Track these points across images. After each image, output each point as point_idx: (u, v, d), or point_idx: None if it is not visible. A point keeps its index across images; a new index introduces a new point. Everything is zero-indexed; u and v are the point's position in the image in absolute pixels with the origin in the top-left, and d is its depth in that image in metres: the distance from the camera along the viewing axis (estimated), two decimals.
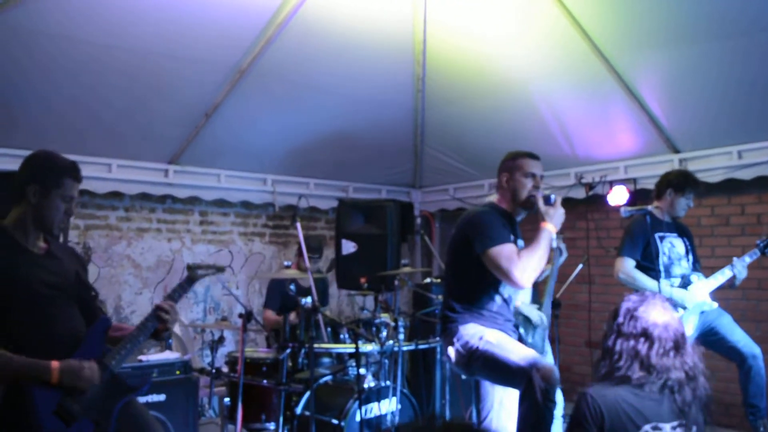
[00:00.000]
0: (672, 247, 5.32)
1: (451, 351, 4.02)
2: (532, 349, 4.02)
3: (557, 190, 7.03)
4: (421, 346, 5.99)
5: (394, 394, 5.32)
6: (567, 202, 5.00)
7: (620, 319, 2.95)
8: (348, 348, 5.36)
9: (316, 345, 5.09)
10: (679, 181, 5.40)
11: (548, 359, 5.08)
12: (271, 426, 5.19)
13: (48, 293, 3.11)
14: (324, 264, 8.20)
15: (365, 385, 5.12)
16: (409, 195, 9.07)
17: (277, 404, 5.04)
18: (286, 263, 5.33)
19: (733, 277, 5.25)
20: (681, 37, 5.40)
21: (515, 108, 6.79)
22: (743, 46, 5.23)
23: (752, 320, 6.23)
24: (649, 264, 5.15)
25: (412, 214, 8.75)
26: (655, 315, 2.88)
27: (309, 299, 5.00)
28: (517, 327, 4.26)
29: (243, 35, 5.85)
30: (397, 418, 5.26)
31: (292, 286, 5.31)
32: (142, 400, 4.59)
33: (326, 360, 5.74)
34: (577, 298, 7.32)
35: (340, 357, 5.71)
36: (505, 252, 3.79)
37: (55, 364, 2.95)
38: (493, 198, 4.25)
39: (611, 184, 6.88)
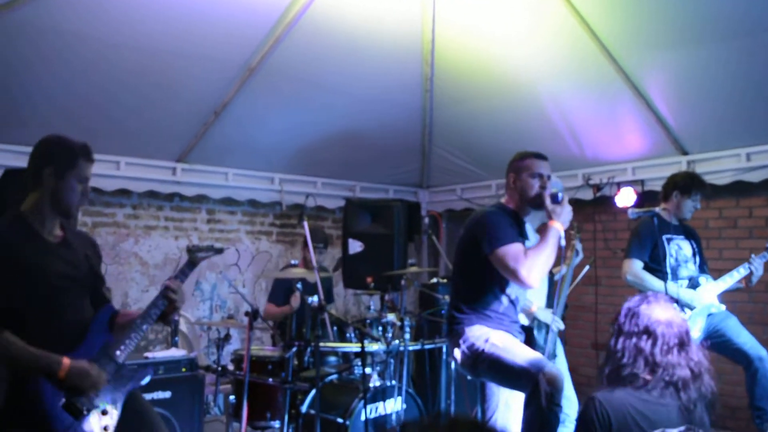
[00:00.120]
0: (679, 249, 5.32)
1: (457, 352, 4.03)
2: (539, 352, 4.03)
3: (565, 191, 7.01)
4: (427, 346, 5.99)
5: (399, 394, 5.32)
6: (574, 204, 4.98)
7: (621, 319, 2.94)
8: (354, 347, 5.36)
9: (322, 344, 5.10)
10: (686, 183, 5.39)
11: (560, 362, 5.10)
12: (276, 424, 5.20)
13: (62, 284, 3.11)
14: (330, 263, 8.22)
15: (371, 385, 5.12)
16: (416, 195, 9.07)
17: (283, 402, 5.04)
18: (293, 261, 5.33)
19: (750, 274, 5.23)
20: (689, 37, 5.38)
21: (523, 108, 6.78)
22: (750, 47, 5.22)
23: (760, 323, 6.21)
24: (656, 266, 5.15)
25: (419, 214, 8.74)
26: (657, 312, 2.87)
27: (315, 298, 5.01)
28: (524, 329, 4.26)
29: (252, 33, 5.85)
30: (402, 418, 5.26)
31: (299, 285, 5.31)
32: (147, 396, 4.60)
33: (332, 359, 5.75)
34: (584, 299, 7.31)
35: (345, 356, 5.71)
36: (511, 252, 3.79)
37: (66, 361, 2.96)
38: (502, 199, 4.25)
39: (619, 185, 6.87)
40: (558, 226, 3.90)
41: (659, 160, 6.64)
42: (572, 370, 5.22)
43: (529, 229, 4.58)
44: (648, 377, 2.78)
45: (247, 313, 4.99)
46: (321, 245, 6.54)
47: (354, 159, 8.04)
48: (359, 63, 6.40)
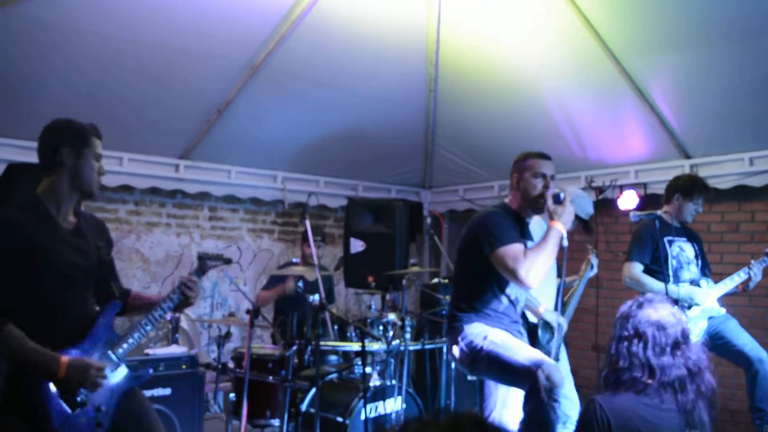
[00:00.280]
0: (681, 251, 5.32)
1: (456, 350, 4.04)
2: (539, 350, 4.04)
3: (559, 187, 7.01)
4: (428, 346, 6.00)
5: (399, 394, 5.32)
6: None
7: (615, 323, 2.93)
8: (354, 346, 5.36)
9: (322, 342, 5.10)
10: (687, 186, 5.39)
11: (563, 365, 5.10)
12: (276, 422, 5.20)
13: (70, 273, 3.11)
14: (332, 262, 8.22)
15: (371, 384, 5.12)
16: (418, 195, 9.07)
17: (283, 401, 5.04)
18: (294, 260, 5.33)
19: (748, 279, 5.24)
20: (693, 41, 5.39)
21: (527, 109, 6.79)
22: (754, 51, 5.23)
23: (760, 327, 6.20)
24: (657, 268, 5.15)
25: (421, 214, 8.73)
26: (648, 313, 2.84)
27: (317, 296, 5.01)
28: (529, 327, 4.27)
29: (257, 32, 5.86)
30: (402, 418, 5.26)
31: (300, 283, 5.31)
32: (147, 393, 4.60)
33: (332, 358, 5.75)
34: (585, 301, 7.30)
35: (346, 355, 5.72)
36: (511, 252, 3.80)
37: (64, 360, 2.95)
38: (506, 199, 4.25)
39: (621, 188, 6.87)
40: (559, 227, 3.89)
41: (662, 163, 6.64)
42: (573, 372, 5.22)
43: (537, 227, 4.57)
44: (648, 381, 2.75)
45: (248, 311, 5.00)
46: (319, 239, 6.54)
47: (357, 158, 8.04)
48: (363, 62, 6.40)
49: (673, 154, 6.52)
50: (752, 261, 5.26)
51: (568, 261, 4.12)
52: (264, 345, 6.27)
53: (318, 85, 6.62)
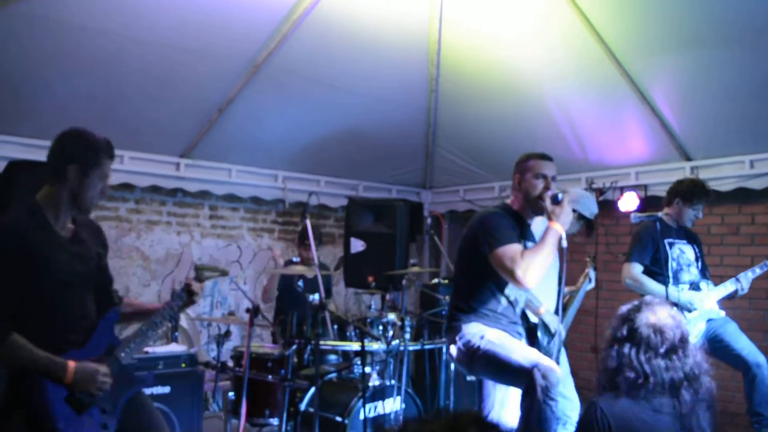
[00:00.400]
0: (681, 254, 5.32)
1: (453, 349, 4.06)
2: (535, 349, 4.05)
3: (563, 189, 7.02)
4: (427, 347, 6.00)
5: (398, 394, 5.32)
6: None
7: (612, 324, 2.91)
8: (354, 346, 5.36)
9: (322, 342, 5.10)
10: (688, 191, 5.39)
11: (562, 367, 5.09)
12: (275, 421, 5.20)
13: (69, 280, 3.11)
14: (332, 262, 8.22)
15: (370, 384, 5.12)
16: (419, 195, 9.06)
17: (282, 400, 5.05)
18: (294, 259, 5.33)
19: (735, 291, 5.25)
20: (694, 43, 5.39)
21: (528, 110, 6.79)
22: (755, 54, 5.23)
23: (760, 330, 6.21)
24: (657, 269, 5.15)
25: (421, 214, 8.73)
26: (646, 316, 2.81)
27: (316, 296, 5.01)
28: (529, 326, 4.27)
29: (259, 31, 5.86)
30: (401, 418, 5.26)
31: (300, 282, 5.31)
32: (147, 391, 4.59)
33: (332, 357, 5.75)
34: (585, 303, 7.26)
35: (345, 355, 5.72)
36: (509, 252, 3.80)
37: (71, 365, 2.97)
38: (508, 200, 4.26)
39: (622, 190, 6.88)
40: (558, 227, 3.89)
41: (663, 165, 6.64)
42: (573, 373, 5.22)
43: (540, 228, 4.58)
44: (640, 383, 2.71)
45: (247, 310, 5.00)
46: (315, 241, 6.55)
47: (358, 158, 8.04)
48: (365, 62, 6.40)
49: (674, 156, 6.53)
50: (741, 275, 5.26)
51: (567, 262, 4.12)
52: (263, 344, 6.27)
53: (319, 85, 6.62)
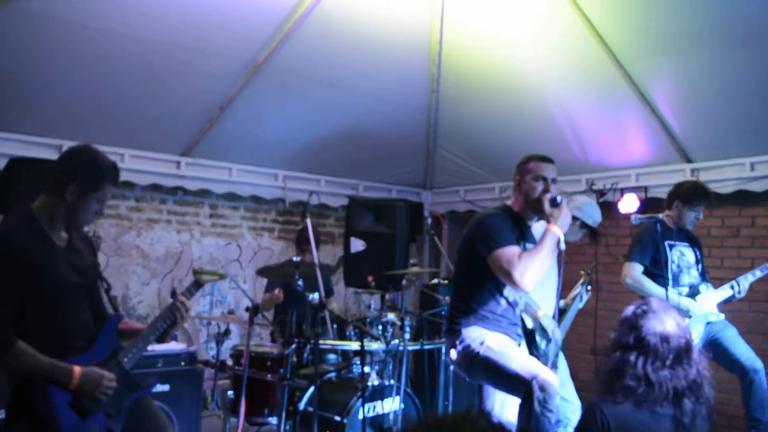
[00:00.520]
0: (682, 256, 5.32)
1: (453, 353, 4.05)
2: (534, 359, 4.04)
3: (568, 195, 7.01)
4: (427, 347, 6.00)
5: (397, 393, 5.32)
6: None
7: (617, 329, 2.90)
8: (353, 345, 5.36)
9: (321, 341, 5.11)
10: (688, 194, 5.39)
11: (561, 371, 5.10)
12: (274, 420, 5.20)
13: (69, 289, 3.12)
14: (332, 261, 8.22)
15: (369, 383, 5.13)
16: (419, 195, 9.06)
17: (281, 399, 5.05)
18: (294, 258, 5.33)
19: (732, 296, 5.25)
20: (696, 45, 5.39)
21: (528, 111, 6.79)
22: (757, 56, 5.23)
23: (759, 333, 6.21)
24: (657, 271, 5.15)
25: (421, 214, 8.74)
26: (653, 325, 2.79)
27: (316, 295, 5.01)
28: (527, 332, 4.27)
29: (260, 30, 5.86)
30: (399, 418, 5.26)
31: (300, 282, 5.30)
32: None
33: (331, 357, 5.75)
34: (584, 304, 7.30)
35: (345, 354, 5.71)
36: (506, 254, 3.80)
37: (77, 370, 2.98)
38: (508, 201, 4.26)
39: (622, 191, 6.87)
40: (556, 230, 3.89)
41: (663, 167, 6.64)
42: (572, 375, 5.21)
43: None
44: (642, 394, 2.71)
45: (247, 309, 5.00)
46: (310, 247, 6.56)
47: (358, 158, 8.04)
48: (366, 62, 6.40)
49: (675, 158, 6.53)
50: (740, 279, 5.25)
51: (566, 264, 4.12)
52: (263, 343, 6.28)
53: (320, 85, 6.62)
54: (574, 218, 4.86)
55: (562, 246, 3.92)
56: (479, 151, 7.90)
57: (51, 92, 5.77)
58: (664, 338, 2.76)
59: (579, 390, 5.10)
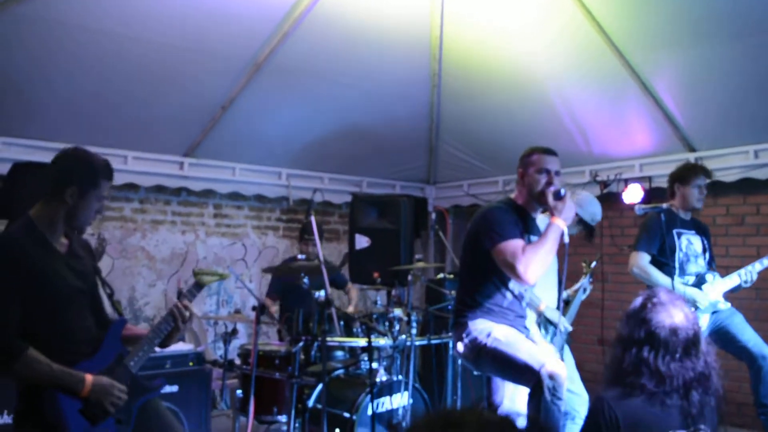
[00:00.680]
0: (689, 244, 5.31)
1: (460, 346, 4.05)
2: (542, 347, 4.04)
3: (572, 187, 7.01)
4: (434, 341, 6.00)
5: (405, 389, 5.33)
6: None
7: (625, 322, 2.88)
8: (361, 342, 5.37)
9: (328, 338, 5.11)
10: (682, 173, 5.41)
11: (567, 362, 5.09)
12: (283, 418, 5.21)
13: (71, 295, 3.12)
14: (337, 258, 8.23)
15: (377, 379, 5.13)
16: (423, 190, 9.07)
17: (289, 397, 5.05)
18: (300, 256, 5.33)
19: (740, 285, 5.24)
20: (697, 34, 5.38)
21: (531, 104, 6.78)
22: (759, 44, 5.22)
23: (766, 320, 6.20)
24: (664, 260, 5.14)
25: (425, 209, 8.75)
26: (661, 319, 2.77)
27: (322, 293, 5.01)
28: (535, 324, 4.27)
29: (260, 29, 5.86)
30: (408, 413, 5.27)
31: (306, 280, 5.31)
32: None
33: (339, 353, 5.74)
34: (591, 295, 7.28)
35: (352, 351, 5.71)
36: (510, 247, 3.80)
37: (89, 378, 2.98)
38: (512, 194, 4.25)
39: (626, 182, 6.88)
40: (560, 223, 3.88)
41: (667, 156, 6.62)
42: (578, 366, 5.22)
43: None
44: (654, 389, 2.70)
45: (254, 308, 5.00)
46: (312, 237, 6.55)
47: (361, 154, 8.04)
48: (367, 58, 6.40)
49: (678, 148, 6.52)
50: (750, 267, 5.23)
51: (570, 255, 4.11)
52: (270, 341, 6.28)
53: (321, 82, 6.62)
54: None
55: (566, 239, 3.91)
56: (482, 145, 7.89)
57: (53, 96, 5.78)
58: (674, 331, 2.74)
59: (586, 381, 5.11)
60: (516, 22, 5.92)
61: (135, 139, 6.62)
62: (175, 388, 5.08)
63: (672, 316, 2.78)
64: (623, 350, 2.83)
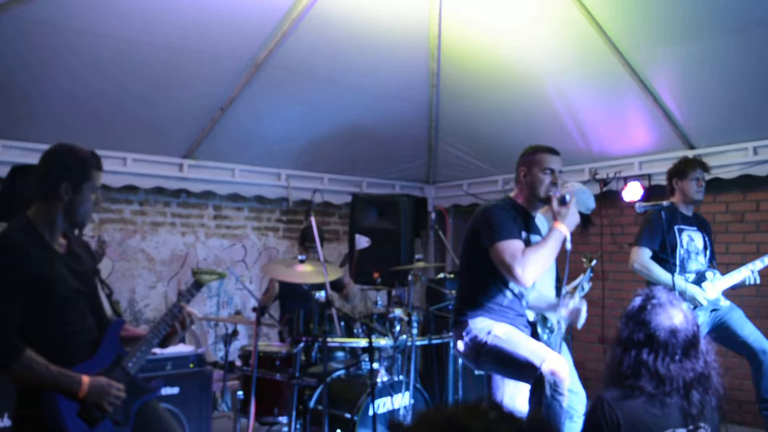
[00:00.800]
0: (690, 241, 5.30)
1: (460, 344, 4.04)
2: (542, 343, 4.03)
3: (563, 180, 7.00)
4: (435, 341, 6.00)
5: (407, 389, 5.32)
6: None
7: (623, 324, 2.87)
8: (361, 342, 5.36)
9: (329, 339, 5.11)
10: (679, 167, 5.42)
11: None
12: (284, 420, 5.21)
13: (71, 295, 3.12)
14: (337, 259, 8.22)
15: (378, 380, 5.13)
16: (422, 190, 9.06)
17: (290, 398, 5.05)
18: (301, 257, 5.32)
19: (743, 282, 5.23)
20: (696, 31, 5.38)
21: (530, 103, 6.78)
22: (758, 41, 5.22)
23: (766, 317, 6.19)
24: (665, 256, 5.13)
25: (425, 209, 8.75)
26: (660, 320, 2.76)
27: (323, 293, 5.01)
28: (531, 324, 4.26)
29: (259, 29, 5.86)
30: (410, 413, 5.27)
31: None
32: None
33: (340, 354, 5.75)
34: (591, 294, 7.27)
35: (353, 351, 5.71)
36: (510, 248, 3.79)
37: (85, 380, 2.98)
38: (511, 192, 4.24)
39: (626, 180, 6.87)
40: (562, 229, 3.87)
41: (666, 154, 6.62)
42: (579, 364, 5.22)
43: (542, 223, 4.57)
44: (653, 390, 2.70)
45: (254, 309, 5.00)
46: (313, 245, 6.56)
47: (360, 155, 8.04)
48: (366, 58, 6.40)
49: (677, 145, 6.51)
50: (754, 265, 5.22)
51: (572, 253, 4.10)
52: (271, 343, 6.28)
53: (320, 82, 6.62)
54: None
55: (568, 246, 3.89)
56: (481, 145, 7.89)
57: (52, 98, 5.78)
58: (673, 332, 2.74)
59: (588, 380, 5.10)
60: (514, 21, 5.92)
61: (134, 141, 6.62)
62: (175, 390, 5.07)
63: (671, 318, 2.77)
64: (622, 352, 2.83)
